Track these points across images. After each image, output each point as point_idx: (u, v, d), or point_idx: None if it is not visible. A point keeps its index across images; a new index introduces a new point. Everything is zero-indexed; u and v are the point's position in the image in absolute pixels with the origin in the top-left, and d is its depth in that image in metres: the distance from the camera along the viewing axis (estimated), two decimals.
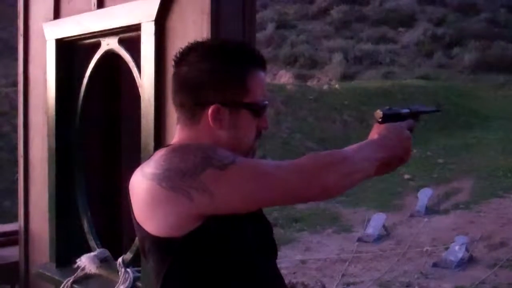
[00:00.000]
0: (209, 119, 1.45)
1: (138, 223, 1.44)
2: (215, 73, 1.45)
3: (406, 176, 12.00)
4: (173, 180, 1.33)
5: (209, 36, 2.08)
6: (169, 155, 1.37)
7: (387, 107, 1.67)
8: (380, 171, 1.56)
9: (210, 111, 1.44)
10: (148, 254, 1.45)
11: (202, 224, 1.36)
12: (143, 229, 1.42)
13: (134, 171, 1.49)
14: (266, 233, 1.55)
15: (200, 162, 1.33)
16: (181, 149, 1.38)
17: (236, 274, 1.42)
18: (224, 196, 1.33)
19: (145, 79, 2.37)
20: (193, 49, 1.50)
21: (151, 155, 1.48)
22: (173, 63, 1.52)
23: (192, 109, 1.47)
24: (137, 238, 2.47)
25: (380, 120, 1.62)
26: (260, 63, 1.52)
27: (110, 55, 2.76)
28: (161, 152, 1.42)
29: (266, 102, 1.52)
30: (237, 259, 1.42)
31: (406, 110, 1.69)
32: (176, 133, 1.53)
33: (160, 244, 1.39)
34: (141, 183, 1.41)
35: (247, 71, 1.48)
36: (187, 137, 1.48)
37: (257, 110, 1.49)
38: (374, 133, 1.60)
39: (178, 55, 1.51)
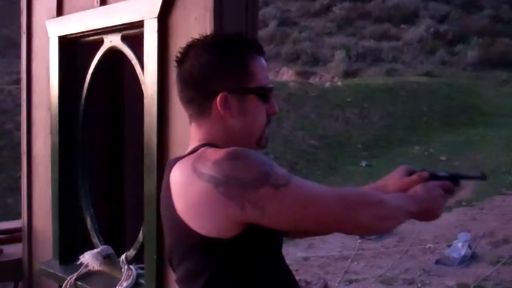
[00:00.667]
0: (219, 108, 1.49)
1: (182, 221, 1.43)
2: (217, 63, 1.50)
3: None
4: (231, 188, 1.36)
5: (212, 33, 2.09)
6: (231, 162, 1.38)
7: (422, 169, 1.76)
8: (413, 218, 1.63)
9: (218, 99, 1.49)
10: (188, 252, 1.46)
11: (247, 227, 1.41)
12: (188, 227, 1.42)
13: (172, 167, 1.49)
14: None
15: (259, 177, 1.37)
16: (243, 159, 1.40)
17: (271, 270, 1.49)
18: (274, 216, 1.39)
19: (148, 76, 2.38)
20: (192, 46, 1.55)
21: (195, 150, 1.49)
22: (175, 64, 1.56)
23: (201, 103, 1.52)
24: (140, 234, 2.49)
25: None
26: (258, 49, 1.56)
27: (113, 52, 2.77)
28: (216, 155, 1.40)
29: (271, 85, 1.56)
30: (272, 256, 1.51)
31: (444, 173, 1.75)
32: (194, 131, 1.56)
33: (206, 244, 1.41)
34: (195, 182, 1.40)
35: (248, 56, 1.53)
36: (207, 131, 1.52)
37: (263, 93, 1.53)
38: (411, 190, 1.65)
39: (178, 54, 1.56)
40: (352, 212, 1.42)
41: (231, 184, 1.36)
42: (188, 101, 1.55)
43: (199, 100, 1.52)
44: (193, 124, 1.57)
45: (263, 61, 1.56)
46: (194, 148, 1.52)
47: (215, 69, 1.50)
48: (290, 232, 1.72)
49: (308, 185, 1.43)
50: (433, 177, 1.71)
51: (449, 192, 1.69)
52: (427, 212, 1.62)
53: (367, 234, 1.67)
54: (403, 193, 1.64)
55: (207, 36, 1.57)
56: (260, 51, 1.56)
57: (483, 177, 1.85)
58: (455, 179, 1.74)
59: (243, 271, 1.44)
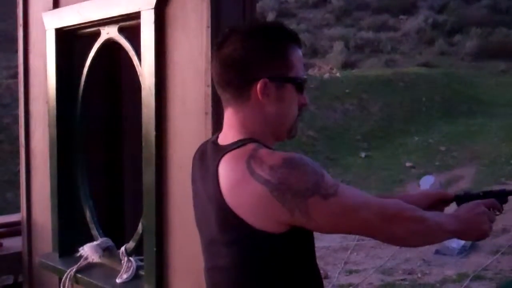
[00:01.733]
0: (258, 93, 1.52)
1: (232, 211, 1.46)
2: (260, 49, 1.53)
3: (408, 164, 11.99)
4: (284, 195, 1.41)
5: (209, 24, 2.08)
6: (287, 170, 1.42)
7: (464, 191, 1.82)
8: (459, 238, 1.70)
9: (259, 85, 1.51)
10: (233, 242, 1.50)
11: (292, 227, 1.47)
12: (239, 218, 1.46)
13: (220, 159, 1.50)
14: None
15: (311, 186, 1.42)
16: (299, 167, 1.43)
17: (309, 263, 1.59)
18: (319, 223, 1.45)
19: (146, 68, 2.37)
20: (234, 31, 1.57)
21: (242, 144, 1.50)
22: (214, 47, 1.59)
23: (240, 87, 1.54)
24: (139, 226, 2.49)
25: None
26: (298, 41, 1.60)
27: (110, 44, 2.76)
28: (273, 159, 1.43)
29: (306, 77, 1.61)
30: (310, 249, 1.58)
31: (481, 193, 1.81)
32: (231, 116, 1.58)
33: (256, 235, 1.46)
34: (250, 182, 1.43)
35: (289, 47, 1.57)
36: (244, 118, 1.55)
37: (300, 84, 1.57)
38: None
39: (220, 38, 1.58)
40: (389, 225, 1.48)
41: (285, 191, 1.41)
42: (226, 84, 1.56)
43: (238, 83, 1.54)
44: (229, 109, 1.58)
45: (301, 53, 1.60)
46: (240, 141, 1.52)
47: (258, 54, 1.53)
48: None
49: (353, 195, 1.49)
50: (473, 196, 1.76)
51: (495, 209, 1.73)
52: (470, 231, 1.65)
53: (402, 246, 1.79)
54: (449, 213, 1.67)
55: (248, 23, 1.63)
56: (299, 43, 1.60)
57: None
58: (501, 196, 1.77)
59: (285, 264, 1.51)
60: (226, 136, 1.58)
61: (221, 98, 1.61)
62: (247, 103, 1.54)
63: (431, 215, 1.57)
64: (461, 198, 1.77)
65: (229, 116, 1.58)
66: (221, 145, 1.56)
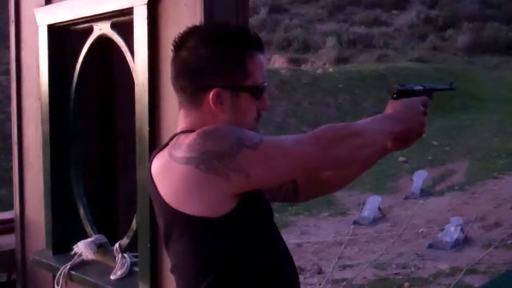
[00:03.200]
0: (210, 103, 1.48)
1: (170, 207, 1.45)
2: (215, 57, 1.48)
3: (401, 159, 12.02)
4: (211, 163, 1.38)
5: (202, 19, 2.07)
6: (203, 139, 1.40)
7: (401, 84, 1.72)
8: (398, 146, 1.65)
9: (211, 95, 1.48)
10: (181, 236, 1.48)
11: (238, 204, 1.42)
12: (178, 212, 1.44)
13: (153, 159, 1.52)
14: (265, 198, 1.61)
15: (234, 143, 1.38)
16: (214, 132, 1.41)
17: (263, 243, 1.51)
18: (259, 175, 1.40)
19: (139, 64, 2.36)
20: (192, 33, 1.53)
21: (169, 141, 1.51)
22: (171, 48, 1.55)
23: (193, 94, 1.51)
24: (133, 222, 2.49)
25: (394, 96, 1.67)
26: (258, 46, 1.54)
27: (103, 40, 2.74)
28: (189, 137, 1.42)
29: (266, 84, 1.55)
30: (263, 230, 1.52)
31: (419, 87, 1.73)
32: (181, 119, 1.56)
33: (197, 225, 1.43)
34: (174, 168, 1.42)
35: (246, 54, 1.51)
36: (193, 121, 1.52)
37: (256, 92, 1.52)
38: (389, 109, 1.64)
39: (176, 40, 1.54)
40: (330, 150, 1.42)
41: (211, 158, 1.38)
42: (180, 90, 1.54)
43: (191, 90, 1.51)
44: (181, 112, 1.56)
45: (262, 58, 1.54)
46: (170, 137, 1.53)
47: (212, 64, 1.48)
48: (299, 197, 1.77)
49: (281, 138, 1.47)
50: (411, 92, 1.69)
51: (426, 107, 1.67)
52: (411, 131, 1.62)
53: (353, 165, 1.78)
54: (385, 114, 1.62)
55: (206, 25, 1.57)
56: (260, 47, 1.55)
57: (451, 87, 1.89)
58: (430, 93, 1.74)
59: (236, 249, 1.46)
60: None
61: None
62: (198, 109, 1.51)
63: (368, 124, 1.52)
64: (402, 92, 1.68)
65: (181, 118, 1.56)
66: (160, 147, 1.56)
